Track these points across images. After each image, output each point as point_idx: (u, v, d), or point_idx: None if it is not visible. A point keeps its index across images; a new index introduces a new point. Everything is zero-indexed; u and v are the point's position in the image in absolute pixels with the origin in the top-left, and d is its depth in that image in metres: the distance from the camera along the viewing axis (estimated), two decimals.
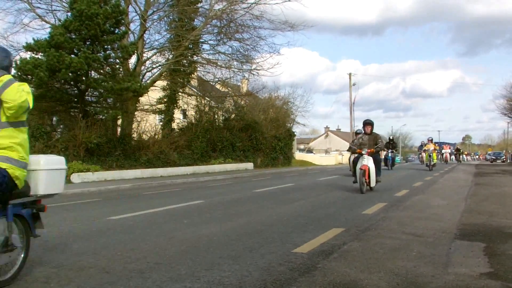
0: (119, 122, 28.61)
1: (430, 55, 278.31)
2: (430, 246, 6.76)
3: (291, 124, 46.35)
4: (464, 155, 73.54)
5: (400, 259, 5.95)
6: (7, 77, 4.68)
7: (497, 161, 72.65)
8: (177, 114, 35.20)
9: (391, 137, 34.16)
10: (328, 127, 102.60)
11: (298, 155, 54.36)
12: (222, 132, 34.96)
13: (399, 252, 6.32)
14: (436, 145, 34.62)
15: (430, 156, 30.70)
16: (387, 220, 9.20)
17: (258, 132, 37.82)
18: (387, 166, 30.96)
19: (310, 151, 71.89)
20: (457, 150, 60.61)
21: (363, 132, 16.35)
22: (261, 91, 40.82)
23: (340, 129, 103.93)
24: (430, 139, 33.69)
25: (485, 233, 7.81)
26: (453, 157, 63.43)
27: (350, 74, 59.84)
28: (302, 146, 75.91)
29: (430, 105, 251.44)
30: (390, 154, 32.00)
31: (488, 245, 6.79)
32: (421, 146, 43.35)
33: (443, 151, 49.92)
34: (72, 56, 21.89)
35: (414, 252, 6.32)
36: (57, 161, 5.62)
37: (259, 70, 32.80)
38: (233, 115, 37.97)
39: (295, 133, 48.28)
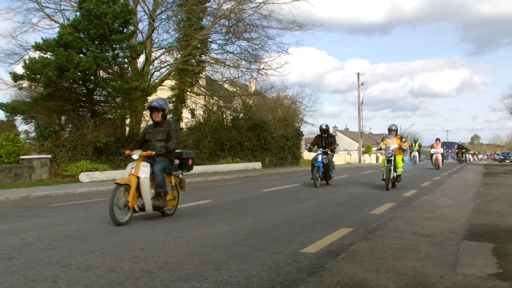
0: (128, 121, 28.69)
1: (438, 54, 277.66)
2: (439, 246, 6.74)
3: (299, 124, 46.31)
4: (469, 155, 61.79)
5: (409, 259, 5.94)
6: None
7: (506, 161, 72.32)
8: (186, 114, 35.23)
9: (323, 126, 18.45)
10: (336, 127, 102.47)
11: (306, 155, 54.27)
12: (230, 131, 34.95)
13: (407, 252, 6.30)
14: (403, 140, 18.29)
15: (390, 161, 16.13)
16: (395, 220, 9.18)
17: (266, 132, 37.79)
18: (315, 182, 17.22)
19: None
20: (460, 147, 50.60)
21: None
22: (269, 91, 40.80)
23: (348, 128, 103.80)
24: (393, 129, 17.75)
25: (494, 233, 7.78)
26: (452, 156, 60.53)
27: (358, 74, 59.76)
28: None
29: (438, 105, 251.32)
30: (320, 157, 17.41)
31: (497, 246, 6.77)
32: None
33: (432, 150, 35.20)
34: (81, 55, 21.94)
35: (423, 253, 6.31)
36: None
37: (267, 69, 32.78)
38: (241, 115, 37.97)
39: (303, 133, 48.24)
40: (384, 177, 15.91)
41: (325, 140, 18.07)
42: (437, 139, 35.90)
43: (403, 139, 17.52)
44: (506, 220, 9.28)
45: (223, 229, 8.25)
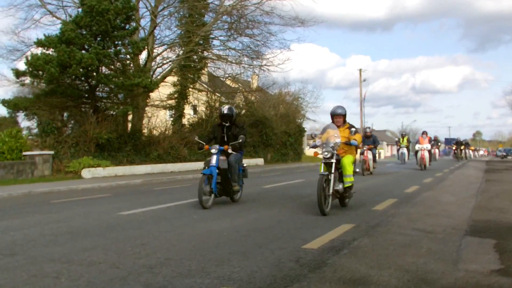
0: (130, 117, 28.71)
1: (440, 51, 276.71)
2: (440, 242, 6.74)
3: (301, 120, 46.32)
4: (470, 151, 56.30)
5: (410, 255, 5.93)
6: None
7: (508, 157, 72.20)
8: (188, 110, 35.23)
9: (225, 110, 11.51)
10: None
11: (309, 151, 54.27)
12: None
13: (409, 249, 6.30)
14: (353, 131, 10.17)
15: (329, 165, 9.67)
16: (397, 216, 9.17)
17: (268, 128, 37.79)
18: (201, 200, 10.33)
19: None
20: (458, 143, 45.53)
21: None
22: (271, 87, 40.79)
23: None
24: (339, 113, 10.49)
25: (496, 229, 7.77)
26: (450, 153, 58.61)
27: (360, 70, 59.73)
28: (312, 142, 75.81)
29: (440, 101, 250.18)
30: (215, 159, 10.83)
31: (499, 242, 6.76)
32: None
33: (417, 146, 27.43)
34: (83, 52, 21.96)
35: (424, 249, 6.30)
36: None
37: (269, 66, 32.74)
38: (243, 111, 37.93)
39: (305, 129, 48.20)
40: (319, 193, 9.17)
41: (227, 131, 11.43)
42: (424, 132, 28.96)
43: (354, 129, 10.23)
44: (508, 216, 9.27)
45: (225, 225, 8.26)
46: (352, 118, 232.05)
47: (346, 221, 8.41)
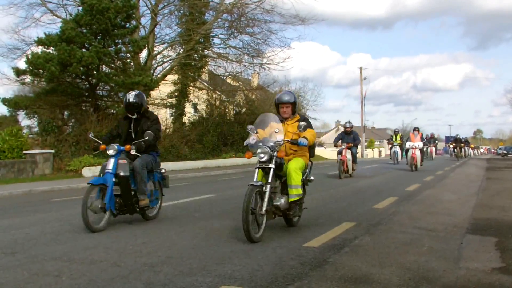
0: None
1: (441, 49, 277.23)
2: (442, 240, 6.73)
3: None
4: (470, 149, 55.25)
5: (412, 253, 5.93)
6: None
7: (509, 155, 72.09)
8: (188, 108, 35.26)
9: (130, 98, 8.43)
10: (339, 121, 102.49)
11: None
12: (233, 126, 34.95)
13: (411, 247, 6.30)
14: (302, 126, 7.27)
15: (265, 171, 7.14)
16: (398, 214, 9.17)
17: None
18: (86, 221, 7.39)
19: (321, 145, 71.86)
20: (456, 141, 43.71)
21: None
22: (272, 85, 40.82)
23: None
24: (285, 101, 7.76)
25: (497, 227, 7.76)
26: (447, 151, 57.78)
27: (361, 68, 59.77)
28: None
29: (441, 99, 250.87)
30: (112, 164, 7.85)
31: (500, 240, 6.75)
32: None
33: (408, 144, 23.93)
34: (83, 50, 21.98)
35: (426, 247, 6.30)
36: None
37: (269, 64, 32.83)
38: (244, 109, 37.95)
39: None
40: (244, 212, 6.36)
41: (136, 126, 8.67)
42: (415, 129, 26.29)
43: (304, 123, 7.40)
44: (509, 214, 9.26)
45: (226, 223, 8.25)
46: (353, 117, 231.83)
47: (347, 220, 8.40)
